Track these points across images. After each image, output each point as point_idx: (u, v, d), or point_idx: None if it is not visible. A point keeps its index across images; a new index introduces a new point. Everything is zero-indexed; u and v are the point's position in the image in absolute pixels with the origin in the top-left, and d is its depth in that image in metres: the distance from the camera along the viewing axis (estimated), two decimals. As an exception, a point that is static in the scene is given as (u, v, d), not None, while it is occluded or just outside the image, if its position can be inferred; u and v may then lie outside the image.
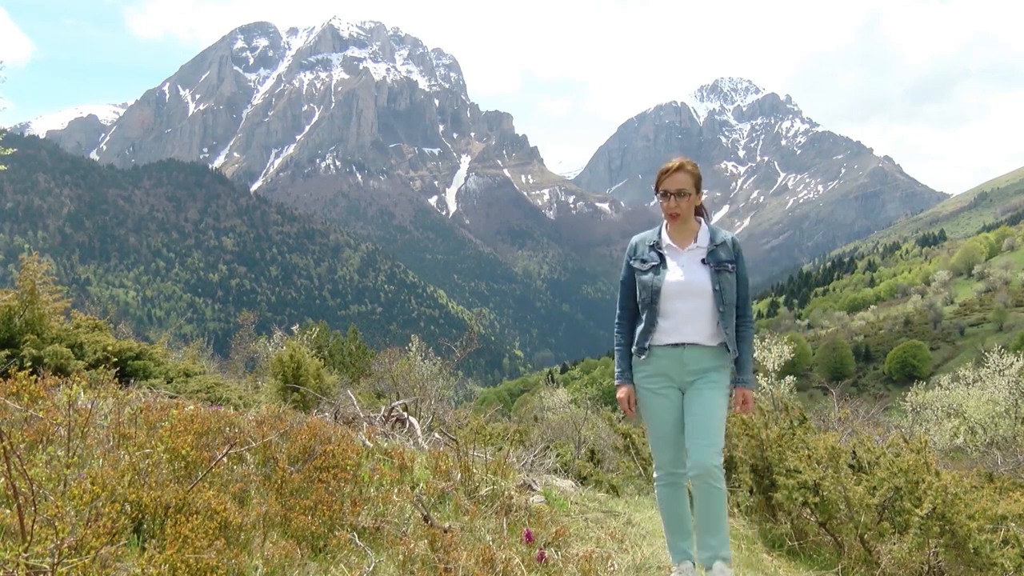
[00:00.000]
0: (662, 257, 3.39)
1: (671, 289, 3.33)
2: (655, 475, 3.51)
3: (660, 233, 3.47)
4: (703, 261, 3.35)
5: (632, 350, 3.46)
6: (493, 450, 5.99)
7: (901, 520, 4.60)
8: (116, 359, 9.28)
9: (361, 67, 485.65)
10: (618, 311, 3.55)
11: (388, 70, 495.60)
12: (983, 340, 58.15)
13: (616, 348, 3.56)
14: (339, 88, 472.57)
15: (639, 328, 3.43)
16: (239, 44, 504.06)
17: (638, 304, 3.45)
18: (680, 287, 3.32)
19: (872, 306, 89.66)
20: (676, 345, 3.33)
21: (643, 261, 3.42)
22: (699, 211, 3.48)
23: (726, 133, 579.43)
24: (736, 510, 5.79)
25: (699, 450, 3.25)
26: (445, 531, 3.64)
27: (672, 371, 3.36)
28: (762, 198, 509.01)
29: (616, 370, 3.56)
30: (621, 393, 3.52)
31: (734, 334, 3.38)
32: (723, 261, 3.35)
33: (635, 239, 3.54)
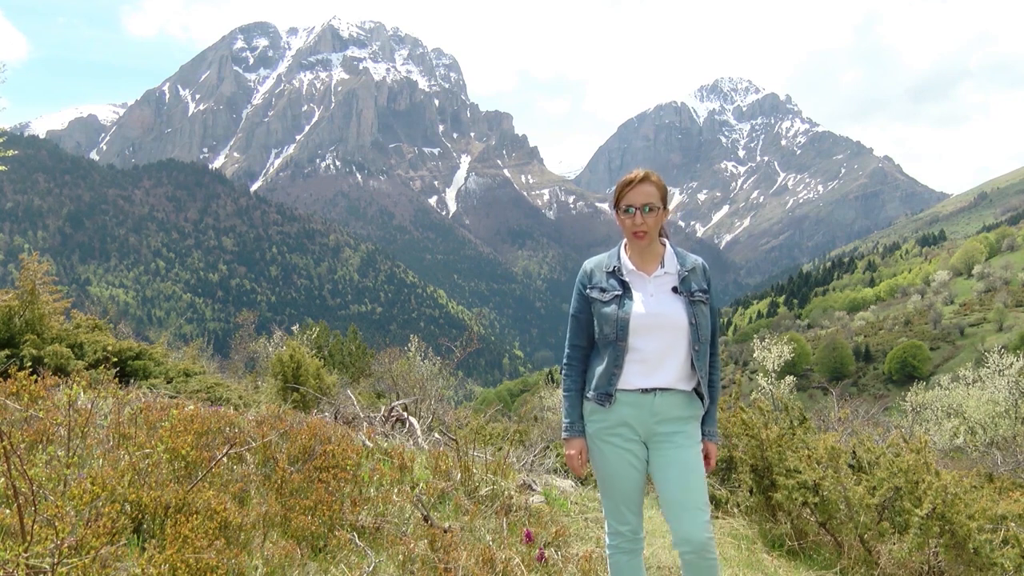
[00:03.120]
0: (625, 285, 2.87)
1: (641, 323, 2.81)
2: (608, 541, 2.97)
3: (619, 256, 2.94)
4: (675, 289, 2.86)
5: (588, 395, 2.91)
6: (493, 450, 5.99)
7: (901, 520, 4.60)
8: (116, 359, 9.29)
9: (361, 67, 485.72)
10: (568, 349, 3.01)
11: (388, 70, 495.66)
12: (983, 340, 58.20)
13: (564, 394, 3.00)
14: (339, 88, 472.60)
15: (598, 369, 2.88)
16: (239, 44, 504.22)
17: (596, 341, 2.93)
18: (651, 320, 2.81)
19: (872, 306, 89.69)
20: (646, 391, 2.82)
21: (602, 290, 2.89)
22: (662, 231, 2.98)
23: (726, 133, 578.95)
24: (736, 510, 5.79)
25: (689, 524, 2.75)
26: (445, 531, 3.64)
27: (638, 422, 2.84)
28: (762, 198, 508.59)
29: (564, 420, 2.98)
30: (572, 448, 2.94)
31: (707, 377, 2.91)
32: (697, 290, 2.88)
33: (589, 264, 3.00)
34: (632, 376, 2.84)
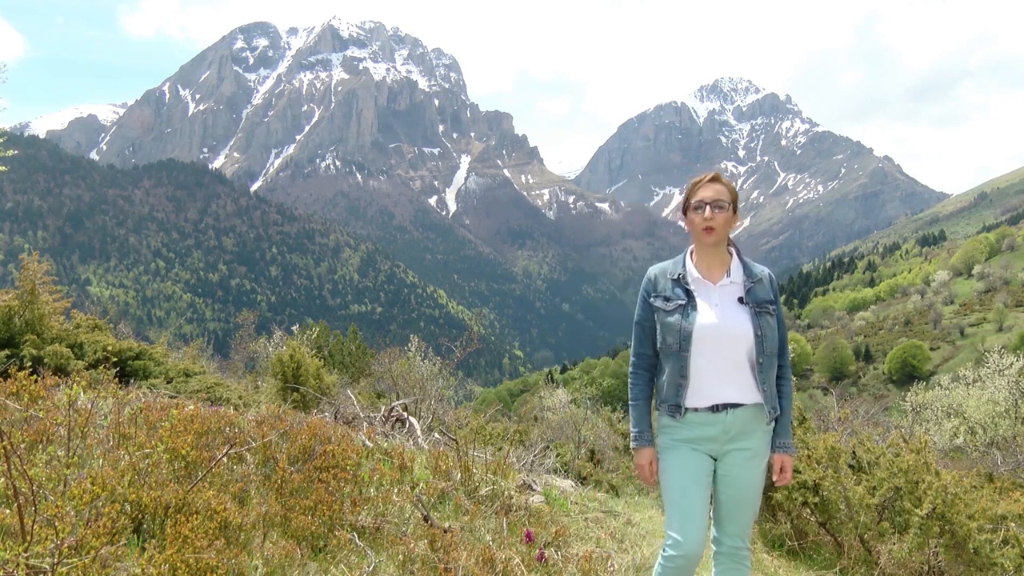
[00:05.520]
0: (689, 294, 2.82)
1: (705, 334, 2.76)
2: (664, 552, 2.83)
3: (684, 264, 2.89)
4: (740, 300, 2.82)
5: (659, 408, 2.90)
6: (493, 450, 5.98)
7: (901, 520, 4.60)
8: (116, 359, 9.28)
9: (361, 67, 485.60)
10: (633, 358, 2.97)
11: (388, 70, 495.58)
12: (983, 340, 58.23)
13: (631, 403, 2.96)
14: (339, 88, 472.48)
15: (665, 380, 2.85)
16: (239, 44, 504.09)
17: (658, 350, 2.88)
18: (716, 331, 2.76)
19: (872, 306, 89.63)
20: (716, 410, 2.78)
21: (666, 299, 2.84)
22: (729, 241, 2.94)
23: (726, 133, 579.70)
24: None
25: (732, 537, 2.89)
26: (445, 531, 3.64)
27: (708, 439, 2.82)
28: (762, 198, 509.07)
29: (633, 430, 2.95)
30: (642, 458, 2.92)
31: (774, 389, 2.85)
32: (763, 301, 2.82)
33: (653, 271, 2.95)
34: (699, 389, 2.80)
